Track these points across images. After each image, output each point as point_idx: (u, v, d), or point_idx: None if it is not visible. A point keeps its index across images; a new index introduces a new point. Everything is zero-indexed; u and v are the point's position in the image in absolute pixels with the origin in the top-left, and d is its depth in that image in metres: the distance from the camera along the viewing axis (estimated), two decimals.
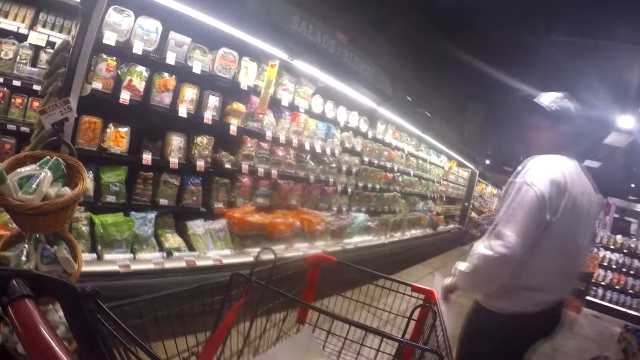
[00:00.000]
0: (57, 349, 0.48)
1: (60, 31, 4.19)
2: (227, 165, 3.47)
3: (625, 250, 7.83)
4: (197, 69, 3.11)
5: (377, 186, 5.96)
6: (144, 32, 2.83)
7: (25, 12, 4.05)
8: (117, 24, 2.68)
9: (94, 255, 2.63)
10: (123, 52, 2.78)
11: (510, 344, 1.82)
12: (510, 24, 6.63)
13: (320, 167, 4.59)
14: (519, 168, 1.81)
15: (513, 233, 1.60)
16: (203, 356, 1.00)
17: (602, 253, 7.87)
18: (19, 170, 1.61)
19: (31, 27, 4.06)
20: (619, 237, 7.96)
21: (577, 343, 5.31)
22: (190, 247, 3.15)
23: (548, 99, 1.88)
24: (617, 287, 7.70)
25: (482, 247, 1.68)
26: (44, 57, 3.97)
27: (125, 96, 2.75)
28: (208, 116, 3.25)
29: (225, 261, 3.17)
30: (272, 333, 1.37)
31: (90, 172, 2.75)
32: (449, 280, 1.91)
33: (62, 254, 1.73)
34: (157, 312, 0.98)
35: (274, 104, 3.89)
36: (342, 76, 4.46)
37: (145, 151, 3.00)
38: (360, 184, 5.52)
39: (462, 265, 1.80)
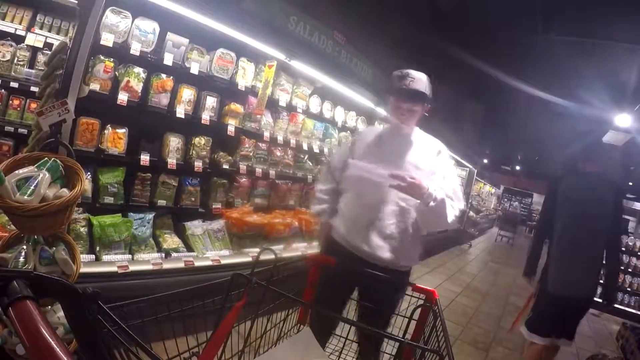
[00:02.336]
0: (58, 349, 0.48)
1: (58, 33, 4.17)
2: (225, 166, 3.47)
3: (623, 249, 7.85)
4: (194, 69, 3.11)
5: None
6: (142, 34, 2.83)
7: (22, 14, 4.04)
8: (114, 25, 2.68)
9: (93, 256, 2.63)
10: (120, 54, 2.77)
11: None
12: (508, 23, 6.65)
13: (318, 167, 4.59)
14: (436, 147, 2.16)
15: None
16: (204, 356, 1.00)
17: None
18: (17, 171, 1.60)
19: (29, 28, 4.04)
20: None
21: (575, 341, 5.31)
22: (189, 248, 3.15)
23: (423, 82, 2.05)
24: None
25: (455, 210, 2.07)
26: (41, 58, 3.95)
27: (122, 97, 2.75)
28: (206, 117, 3.25)
29: (224, 261, 3.17)
30: (272, 333, 1.37)
31: (89, 173, 2.75)
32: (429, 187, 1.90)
33: (60, 255, 1.73)
34: (158, 313, 0.98)
35: (272, 105, 3.89)
36: (339, 76, 4.46)
37: (143, 152, 3.00)
38: None
39: (450, 209, 2.01)
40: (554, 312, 3.08)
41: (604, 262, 3.11)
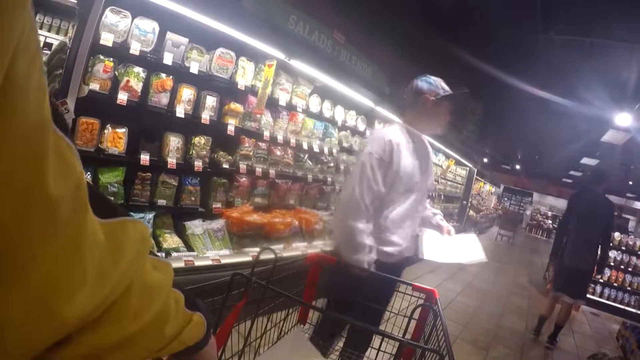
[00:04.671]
0: None
1: (57, 32, 4.18)
2: (225, 165, 3.47)
3: (623, 248, 7.84)
4: (194, 69, 3.10)
5: None
6: (141, 33, 2.83)
7: None
8: (114, 24, 2.68)
9: None
10: (120, 53, 2.77)
11: None
12: (508, 23, 6.65)
13: (318, 167, 4.60)
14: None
15: None
16: None
17: None
18: None
19: None
20: (617, 234, 7.95)
21: (575, 340, 5.33)
22: (189, 247, 3.14)
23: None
24: (615, 284, 7.72)
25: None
26: None
27: (122, 97, 2.75)
28: (205, 116, 3.25)
29: (224, 261, 3.16)
30: (272, 333, 1.36)
31: (88, 173, 2.75)
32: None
33: None
34: None
35: (272, 104, 3.89)
36: (339, 75, 4.46)
37: (143, 152, 2.99)
38: None
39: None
40: (564, 274, 4.86)
41: (598, 250, 4.80)
